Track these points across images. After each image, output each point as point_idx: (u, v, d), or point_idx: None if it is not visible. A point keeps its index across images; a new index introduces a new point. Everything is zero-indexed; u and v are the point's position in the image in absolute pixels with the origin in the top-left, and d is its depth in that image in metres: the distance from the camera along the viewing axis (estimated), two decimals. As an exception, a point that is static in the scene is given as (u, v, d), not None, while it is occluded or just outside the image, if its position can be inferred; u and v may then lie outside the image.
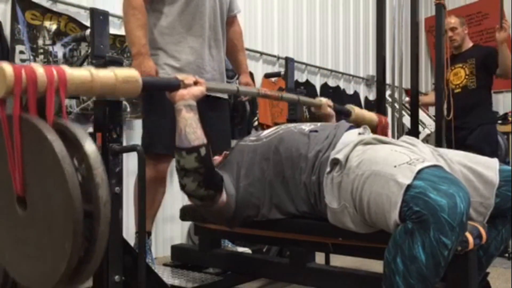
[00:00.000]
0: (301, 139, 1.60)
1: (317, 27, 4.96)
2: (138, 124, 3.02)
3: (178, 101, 1.52)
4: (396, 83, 3.55)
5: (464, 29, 3.91)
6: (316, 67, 4.88)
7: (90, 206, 1.12)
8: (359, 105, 4.90)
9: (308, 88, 4.47)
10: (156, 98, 2.19)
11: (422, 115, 3.89)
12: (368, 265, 1.91)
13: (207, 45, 2.32)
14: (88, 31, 1.59)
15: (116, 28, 3.06)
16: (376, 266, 1.53)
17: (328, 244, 1.60)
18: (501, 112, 5.71)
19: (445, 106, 3.14)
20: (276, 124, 3.26)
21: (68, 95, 1.23)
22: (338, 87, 5.08)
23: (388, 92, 3.60)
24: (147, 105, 2.28)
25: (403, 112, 3.64)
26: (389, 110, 3.70)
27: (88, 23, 1.75)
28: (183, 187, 1.52)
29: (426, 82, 6.61)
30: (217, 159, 1.77)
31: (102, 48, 1.60)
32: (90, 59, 1.67)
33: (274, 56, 4.37)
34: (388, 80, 3.42)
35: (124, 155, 1.56)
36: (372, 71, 5.55)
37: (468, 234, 1.28)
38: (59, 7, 2.89)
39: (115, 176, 1.48)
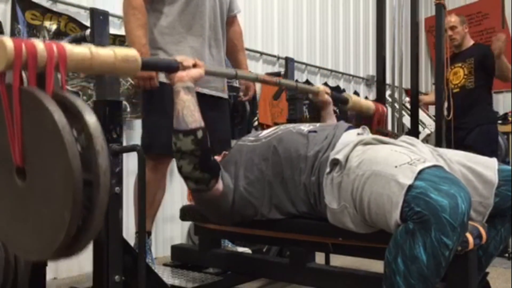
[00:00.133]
0: (300, 139, 1.60)
1: (317, 27, 4.96)
2: (138, 124, 3.01)
3: (177, 83, 1.52)
4: (396, 83, 3.54)
5: (464, 28, 3.90)
6: (316, 67, 4.88)
7: (89, 176, 1.11)
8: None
9: (308, 88, 4.47)
10: (156, 98, 2.19)
11: (422, 115, 3.89)
12: (368, 265, 1.91)
13: (207, 45, 2.32)
14: (88, 31, 1.59)
15: (116, 28, 3.06)
16: (376, 266, 1.53)
17: (328, 244, 1.60)
18: (501, 112, 5.71)
19: (445, 106, 3.14)
20: (276, 124, 3.26)
21: (68, 71, 1.22)
22: (338, 87, 5.08)
23: (388, 92, 3.60)
24: (147, 105, 2.28)
25: (403, 112, 3.64)
26: (389, 110, 3.69)
27: (88, 23, 1.74)
28: (179, 169, 1.52)
29: (426, 82, 6.61)
30: (216, 159, 1.76)
31: (102, 48, 1.60)
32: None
33: (274, 56, 4.37)
34: (388, 80, 3.42)
35: (124, 155, 1.57)
36: (372, 71, 5.55)
37: (468, 234, 1.28)
38: (59, 7, 2.89)
39: (115, 176, 1.48)
